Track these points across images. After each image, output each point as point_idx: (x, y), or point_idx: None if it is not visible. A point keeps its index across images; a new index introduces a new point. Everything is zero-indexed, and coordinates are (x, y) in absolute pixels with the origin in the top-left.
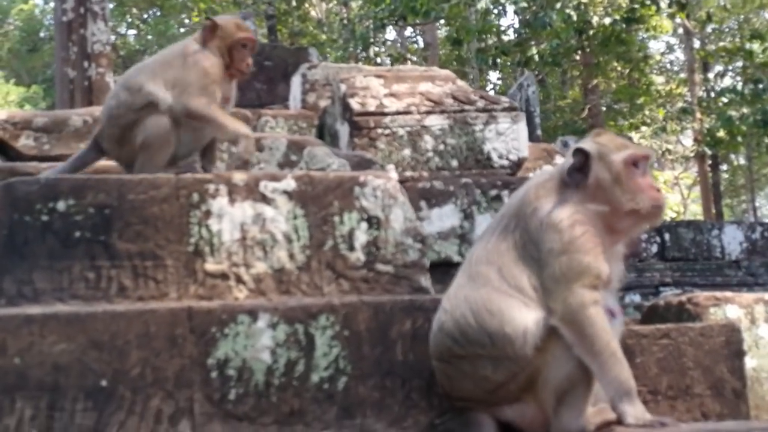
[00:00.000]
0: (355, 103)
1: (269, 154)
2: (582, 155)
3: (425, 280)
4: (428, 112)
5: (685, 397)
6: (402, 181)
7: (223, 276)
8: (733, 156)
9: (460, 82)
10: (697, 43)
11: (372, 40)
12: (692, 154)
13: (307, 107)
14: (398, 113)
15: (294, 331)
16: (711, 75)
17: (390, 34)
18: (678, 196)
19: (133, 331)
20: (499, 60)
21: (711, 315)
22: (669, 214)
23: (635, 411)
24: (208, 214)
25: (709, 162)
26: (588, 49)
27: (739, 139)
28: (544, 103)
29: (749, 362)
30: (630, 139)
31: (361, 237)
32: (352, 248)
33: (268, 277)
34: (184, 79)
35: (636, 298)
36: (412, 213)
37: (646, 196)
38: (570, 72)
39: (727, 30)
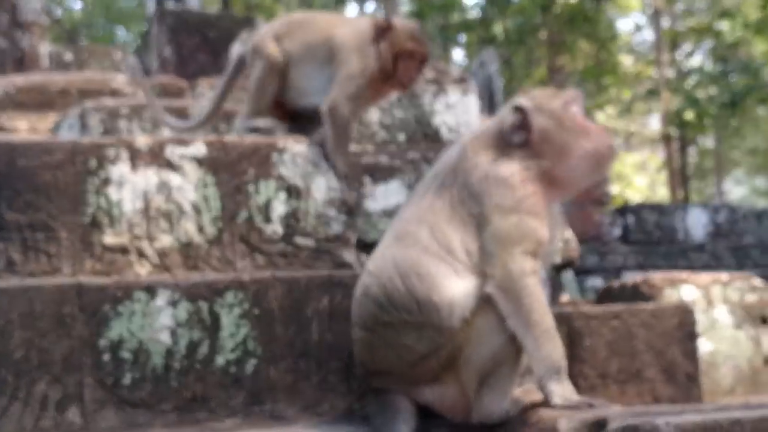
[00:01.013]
0: None
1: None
2: (521, 112)
3: (350, 255)
4: None
5: (636, 381)
6: None
7: (123, 250)
8: (701, 138)
9: None
10: (666, 23)
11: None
12: (659, 136)
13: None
14: None
15: (197, 310)
16: (679, 55)
17: (351, 10)
18: (645, 179)
19: (17, 309)
20: (462, 37)
21: (666, 296)
22: (635, 197)
23: (563, 391)
24: (106, 181)
25: (677, 144)
26: (554, 28)
27: (707, 121)
28: (509, 82)
29: (705, 345)
30: (594, 120)
31: (279, 208)
32: (268, 220)
33: (174, 252)
34: (339, 71)
35: (598, 281)
36: (335, 182)
37: (598, 134)
38: (536, 51)
39: (696, 9)
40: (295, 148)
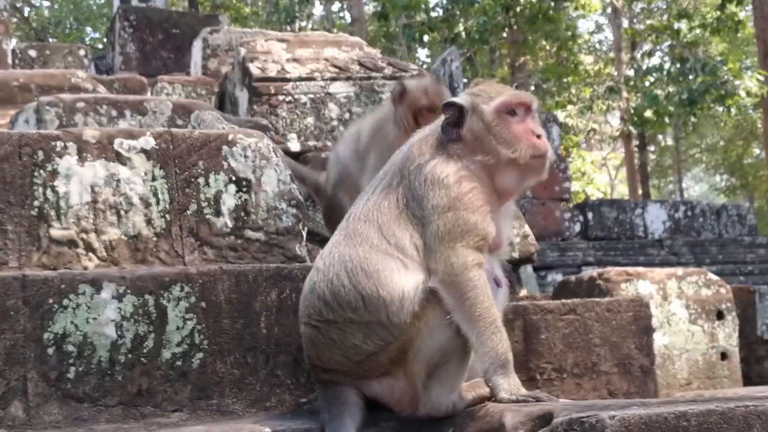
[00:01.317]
0: (254, 68)
1: (152, 118)
2: (455, 109)
3: (300, 249)
4: (333, 79)
5: (592, 374)
6: (305, 151)
7: (71, 243)
8: (660, 136)
9: (368, 48)
10: (625, 23)
11: (297, 13)
12: (619, 134)
13: (208, 73)
14: (301, 79)
15: (143, 303)
16: (638, 54)
17: (317, 9)
18: (606, 176)
19: None
20: (426, 36)
21: (622, 291)
22: (595, 195)
23: (509, 385)
24: (54, 174)
25: (636, 142)
26: (515, 27)
27: (666, 119)
28: (472, 80)
29: (661, 339)
30: (555, 120)
31: (229, 201)
32: (218, 213)
33: (122, 245)
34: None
35: (558, 277)
36: (287, 175)
37: (524, 145)
38: (498, 50)
39: (655, 9)
40: (246, 141)
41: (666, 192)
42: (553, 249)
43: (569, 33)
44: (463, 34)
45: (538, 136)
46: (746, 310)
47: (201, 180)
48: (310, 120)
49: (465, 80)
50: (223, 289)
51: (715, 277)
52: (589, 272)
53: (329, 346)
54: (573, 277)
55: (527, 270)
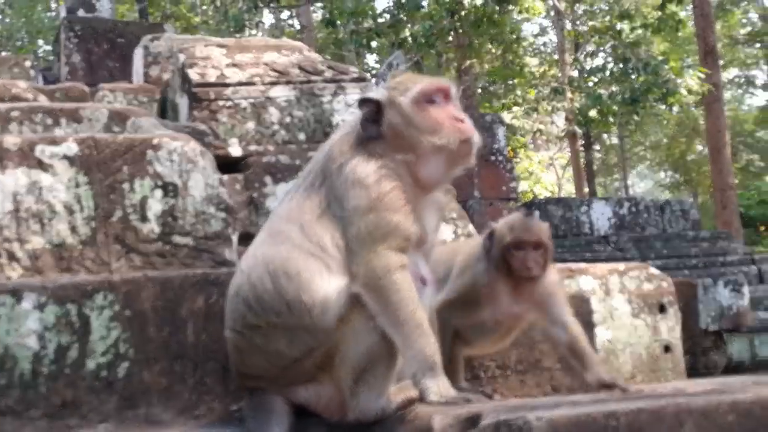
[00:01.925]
0: (194, 74)
1: (88, 126)
2: (371, 104)
3: (230, 253)
4: (273, 83)
5: (535, 371)
6: (246, 156)
7: None
8: (605, 135)
9: (309, 52)
10: (568, 25)
11: (246, 22)
12: (565, 134)
13: (150, 81)
14: (241, 84)
15: (66, 313)
16: (582, 55)
17: (267, 18)
18: (553, 176)
19: None
20: (374, 42)
21: (565, 287)
22: (543, 194)
23: (439, 387)
24: None
25: (582, 141)
26: (461, 31)
27: (610, 118)
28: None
29: (604, 334)
30: (500, 120)
31: (155, 206)
32: (144, 219)
33: (46, 254)
34: None
35: None
36: (215, 179)
37: (449, 130)
38: (445, 54)
39: (597, 10)
40: (172, 145)
41: (612, 189)
42: None
43: (514, 36)
44: (410, 39)
45: (462, 121)
46: (689, 303)
47: (126, 186)
48: (251, 125)
49: None
50: (148, 297)
51: (656, 271)
52: None
53: (254, 352)
54: None
55: None
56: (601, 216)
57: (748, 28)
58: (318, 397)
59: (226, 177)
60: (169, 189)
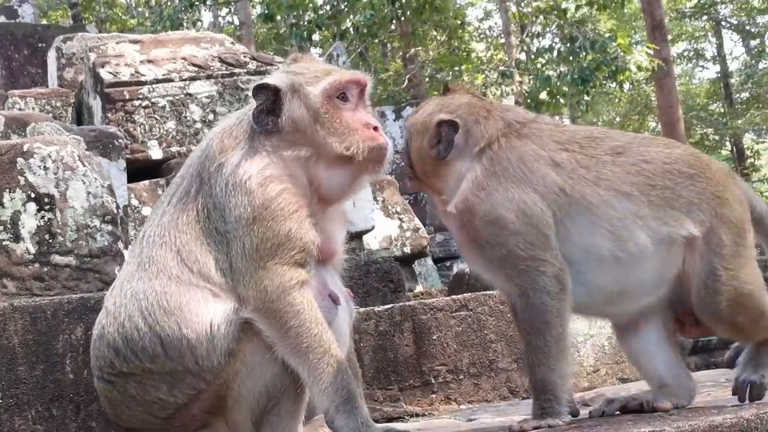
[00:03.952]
0: (105, 74)
1: None
2: (269, 92)
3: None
4: (193, 78)
5: (490, 372)
6: (168, 158)
7: None
8: (557, 117)
9: (230, 44)
10: (513, 7)
11: (184, 21)
12: None
13: (64, 84)
14: (157, 81)
15: None
16: (528, 37)
17: (205, 16)
18: None
19: None
20: (315, 35)
21: None
22: None
23: (356, 423)
24: None
25: None
26: (403, 19)
27: (561, 99)
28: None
29: None
30: None
31: (30, 222)
32: (17, 238)
33: None
34: None
35: (464, 266)
36: (99, 187)
37: (360, 137)
38: (390, 43)
39: None
40: (45, 151)
41: None
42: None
43: (458, 21)
44: (352, 29)
45: (375, 128)
46: None
47: None
48: (171, 124)
49: None
50: (16, 330)
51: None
52: None
53: (128, 404)
54: (468, 269)
55: (426, 263)
56: None
57: (695, 1)
58: None
59: (147, 182)
60: (44, 201)
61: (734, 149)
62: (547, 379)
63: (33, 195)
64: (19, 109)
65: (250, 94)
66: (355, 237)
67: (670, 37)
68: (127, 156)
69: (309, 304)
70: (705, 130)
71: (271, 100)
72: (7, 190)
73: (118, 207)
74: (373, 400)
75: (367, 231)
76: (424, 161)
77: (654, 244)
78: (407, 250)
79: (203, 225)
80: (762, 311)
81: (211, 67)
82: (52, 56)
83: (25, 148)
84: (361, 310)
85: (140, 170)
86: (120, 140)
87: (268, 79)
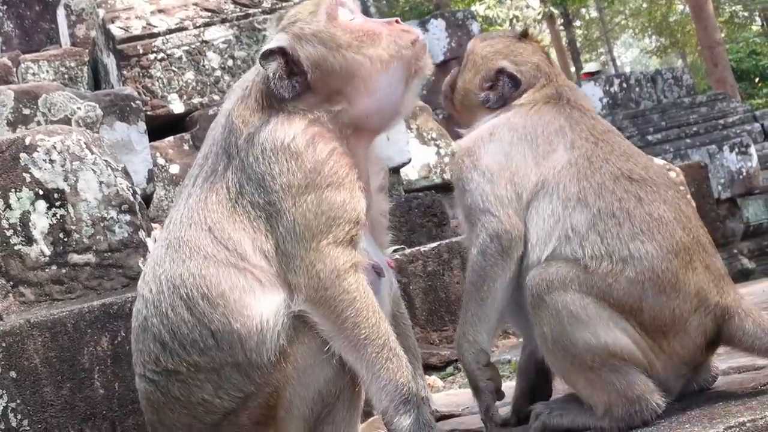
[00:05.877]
0: (116, 29)
1: None
2: (278, 56)
3: (145, 261)
4: (207, 24)
5: None
6: (190, 111)
7: None
8: (583, 10)
9: None
10: None
11: None
12: (541, 16)
13: (77, 42)
14: (171, 31)
15: None
16: None
17: None
18: None
19: None
20: None
21: None
22: None
23: (419, 425)
24: None
25: (561, 21)
26: None
27: None
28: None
29: None
30: (472, 15)
31: (41, 222)
32: (30, 240)
33: None
34: None
35: None
36: (112, 174)
37: (389, 35)
38: None
39: None
40: (49, 142)
41: (599, 64)
42: None
43: None
44: None
45: (397, 21)
46: (701, 186)
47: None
48: (190, 75)
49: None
50: (36, 349)
51: (661, 162)
52: None
53: (172, 406)
54: None
55: None
56: (592, 97)
57: None
58: None
59: (171, 139)
60: (54, 197)
61: (764, 24)
62: (459, 343)
63: (41, 192)
64: (33, 74)
65: (268, 34)
66: (393, 171)
67: None
68: (148, 113)
69: (365, 290)
70: (734, 8)
71: (282, 63)
72: (13, 190)
73: (135, 193)
74: (429, 344)
75: (404, 164)
76: (467, 95)
77: None
78: (447, 176)
79: (235, 203)
80: None
81: (225, 11)
82: (61, 14)
83: (27, 141)
84: (407, 251)
85: (163, 126)
86: (137, 101)
87: (270, 45)
